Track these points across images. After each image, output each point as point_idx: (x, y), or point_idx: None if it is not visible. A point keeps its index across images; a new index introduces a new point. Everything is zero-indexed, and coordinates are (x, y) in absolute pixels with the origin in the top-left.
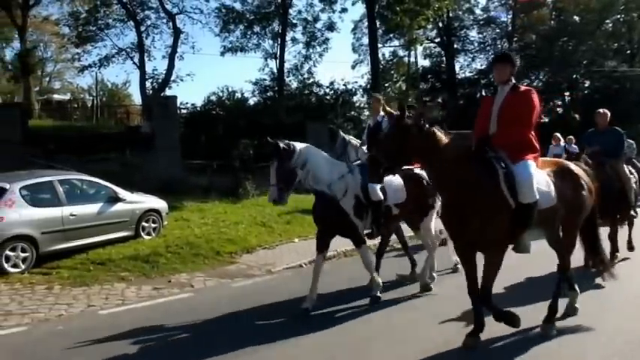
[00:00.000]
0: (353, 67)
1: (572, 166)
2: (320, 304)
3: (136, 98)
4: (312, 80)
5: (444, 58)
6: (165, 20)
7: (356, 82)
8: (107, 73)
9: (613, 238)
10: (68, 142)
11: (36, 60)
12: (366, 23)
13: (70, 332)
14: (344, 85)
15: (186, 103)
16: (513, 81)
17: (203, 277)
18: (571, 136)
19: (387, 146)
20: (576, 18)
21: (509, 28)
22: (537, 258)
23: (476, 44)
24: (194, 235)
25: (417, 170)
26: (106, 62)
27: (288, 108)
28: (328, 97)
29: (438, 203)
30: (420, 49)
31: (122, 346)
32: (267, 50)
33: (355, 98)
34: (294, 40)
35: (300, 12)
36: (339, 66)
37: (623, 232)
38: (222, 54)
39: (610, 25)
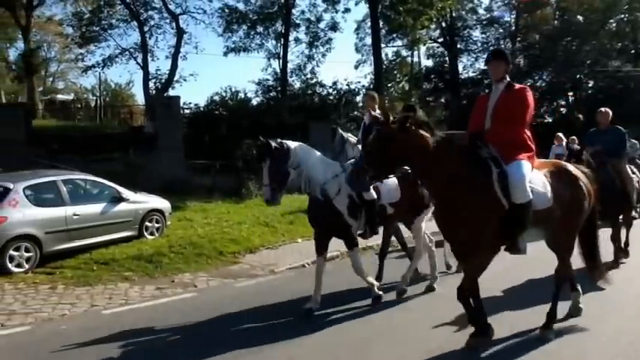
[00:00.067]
0: (356, 67)
1: (569, 167)
2: (323, 305)
3: (140, 98)
4: (315, 80)
5: (447, 58)
6: (168, 20)
7: (359, 82)
8: (110, 73)
9: (615, 238)
10: (72, 142)
11: (40, 60)
12: (369, 23)
13: (73, 332)
14: (347, 85)
15: (190, 103)
16: (508, 79)
17: (206, 277)
18: (574, 137)
19: (371, 155)
20: (580, 18)
21: (513, 28)
22: (535, 260)
23: (479, 44)
24: (197, 235)
25: None
26: (110, 62)
27: (291, 108)
28: (331, 97)
29: None
30: (423, 49)
31: (125, 346)
32: (270, 50)
33: (358, 98)
34: (297, 40)
35: (303, 12)
36: (342, 66)
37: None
38: (226, 54)
39: (614, 24)
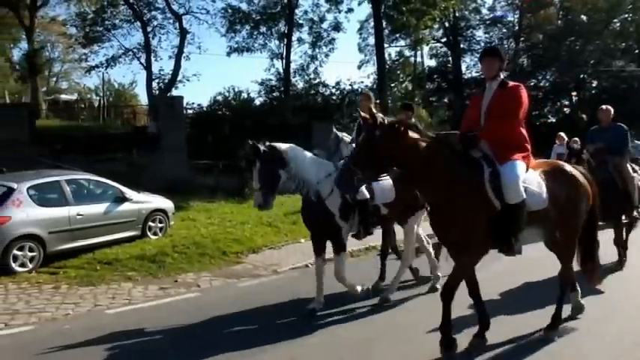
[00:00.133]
0: (359, 67)
1: (566, 166)
2: (326, 305)
3: (143, 98)
4: (318, 80)
5: (451, 58)
6: (171, 21)
7: (362, 82)
8: (114, 73)
9: (619, 240)
10: (75, 142)
11: (43, 60)
12: (372, 23)
13: (76, 331)
14: (350, 85)
15: (193, 103)
16: (502, 76)
17: (209, 277)
18: (576, 138)
19: (359, 157)
20: (584, 17)
21: (516, 28)
22: (533, 263)
23: (482, 44)
24: (200, 235)
25: None
26: (113, 62)
27: (294, 108)
28: (334, 98)
29: None
30: (426, 49)
31: (128, 346)
32: (274, 50)
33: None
34: (300, 40)
35: (306, 12)
36: (345, 66)
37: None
38: (229, 54)
39: (618, 24)
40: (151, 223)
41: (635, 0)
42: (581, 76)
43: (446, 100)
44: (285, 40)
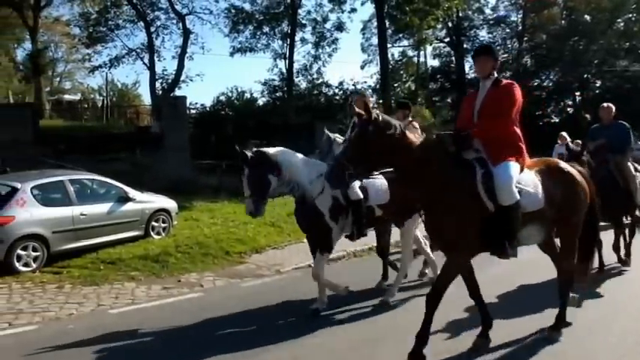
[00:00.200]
0: (362, 67)
1: (562, 164)
2: (329, 305)
3: (146, 98)
4: (321, 80)
5: (454, 58)
6: (175, 21)
7: (365, 82)
8: (117, 73)
9: (617, 245)
10: (78, 142)
11: (47, 60)
12: (376, 23)
13: (80, 331)
14: (353, 85)
15: (196, 103)
16: (495, 75)
17: (212, 277)
18: (578, 140)
19: (351, 152)
20: (587, 17)
21: (520, 28)
22: (531, 265)
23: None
24: (203, 235)
25: None
26: (116, 63)
27: (297, 108)
28: (337, 97)
29: None
30: (429, 49)
31: (132, 345)
32: (277, 50)
33: None
34: (303, 40)
35: (309, 12)
36: (349, 66)
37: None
38: (232, 54)
39: (622, 24)
40: (154, 223)
41: (639, 0)
42: (585, 76)
43: (449, 100)
44: (288, 40)
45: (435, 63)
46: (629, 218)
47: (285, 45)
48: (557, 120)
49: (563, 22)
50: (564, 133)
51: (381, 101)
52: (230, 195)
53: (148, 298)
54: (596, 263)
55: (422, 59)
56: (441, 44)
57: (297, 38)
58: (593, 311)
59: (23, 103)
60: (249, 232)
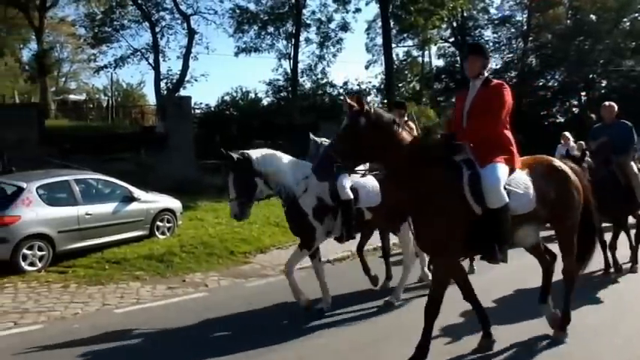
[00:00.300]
0: (367, 67)
1: (555, 162)
2: (334, 305)
3: (151, 98)
4: (325, 80)
5: (458, 58)
6: (179, 21)
7: (370, 82)
8: (122, 73)
9: (613, 245)
10: (84, 142)
11: (52, 61)
12: (380, 23)
13: (85, 330)
14: (358, 85)
15: (201, 103)
16: (485, 74)
17: (217, 277)
18: (581, 142)
19: (340, 144)
20: (593, 17)
21: (525, 28)
22: (529, 268)
23: (491, 44)
24: (208, 235)
25: None
26: (122, 63)
27: (301, 108)
28: (342, 98)
29: None
30: (434, 48)
31: (137, 345)
32: (281, 50)
33: (369, 98)
34: (307, 40)
35: (313, 12)
36: (353, 66)
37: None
38: (236, 54)
39: (628, 23)
40: (159, 223)
41: None
42: (591, 75)
43: (454, 100)
44: (293, 40)
45: (440, 63)
46: (632, 219)
47: (290, 45)
48: (562, 120)
49: (568, 21)
50: (567, 133)
51: (385, 101)
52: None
53: (152, 298)
54: (602, 264)
55: (427, 59)
56: (446, 44)
57: (301, 38)
58: (599, 313)
59: (29, 103)
60: (253, 232)
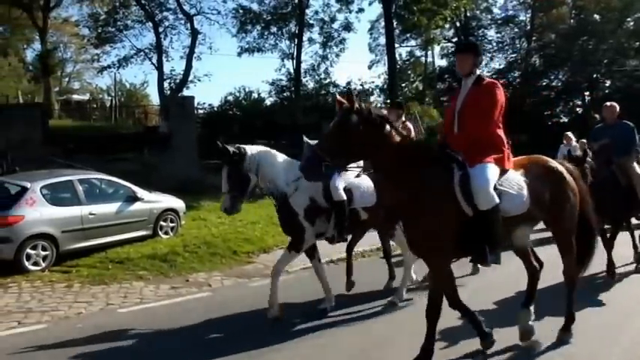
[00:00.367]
0: (370, 67)
1: (550, 162)
2: (337, 305)
3: (154, 98)
4: (328, 80)
5: None
6: (183, 21)
7: (373, 82)
8: (125, 73)
9: (610, 244)
10: (87, 142)
11: (56, 61)
12: (383, 23)
13: (89, 330)
14: (361, 85)
15: (204, 103)
16: (477, 73)
17: (220, 277)
18: (584, 140)
19: (328, 142)
20: (597, 16)
21: (528, 27)
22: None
23: (494, 44)
24: (211, 235)
25: None
26: (125, 63)
27: (304, 108)
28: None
29: None
30: (437, 48)
31: (140, 345)
32: (284, 50)
33: (372, 98)
34: (310, 40)
35: (316, 12)
36: (356, 66)
37: (623, 237)
38: (240, 54)
39: (631, 23)
40: (162, 223)
41: None
42: (594, 75)
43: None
44: (296, 40)
45: (443, 63)
46: (635, 220)
47: (293, 45)
48: (565, 120)
49: (572, 21)
50: (569, 134)
51: (388, 101)
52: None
53: (156, 298)
54: (604, 266)
55: (429, 59)
56: (449, 44)
57: (304, 38)
58: (604, 313)
59: (32, 103)
60: (256, 231)
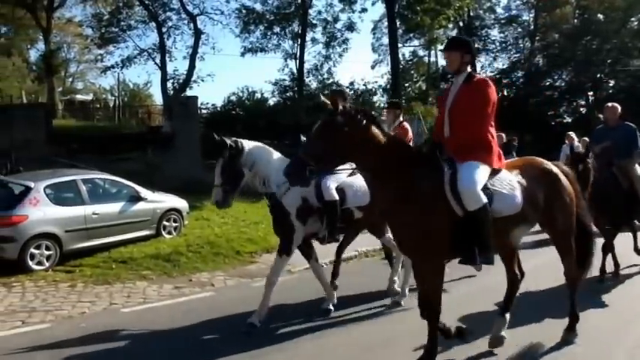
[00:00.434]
0: (373, 67)
1: (545, 164)
2: (340, 305)
3: (157, 98)
4: (331, 80)
5: None
6: (186, 21)
7: (376, 82)
8: (129, 73)
9: (608, 246)
10: (91, 142)
11: (60, 61)
12: (386, 23)
13: (92, 330)
14: (364, 85)
15: (207, 103)
16: (469, 70)
17: (223, 277)
18: (585, 138)
19: (313, 146)
20: (600, 16)
21: (532, 27)
22: (528, 274)
23: (497, 44)
24: (214, 235)
25: None
26: (128, 63)
27: (307, 108)
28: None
29: None
30: (440, 48)
31: (143, 344)
32: (287, 50)
33: (375, 98)
34: (313, 40)
35: (319, 12)
36: (359, 66)
37: (625, 238)
38: (243, 54)
39: (635, 23)
40: (165, 223)
41: None
42: (598, 75)
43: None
44: (299, 40)
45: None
46: (636, 222)
47: (296, 45)
48: (569, 120)
49: (575, 21)
50: (572, 133)
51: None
52: (241, 194)
53: (159, 297)
54: (611, 268)
55: (433, 59)
56: None
57: (307, 38)
58: (609, 314)
59: (36, 103)
60: (259, 231)
